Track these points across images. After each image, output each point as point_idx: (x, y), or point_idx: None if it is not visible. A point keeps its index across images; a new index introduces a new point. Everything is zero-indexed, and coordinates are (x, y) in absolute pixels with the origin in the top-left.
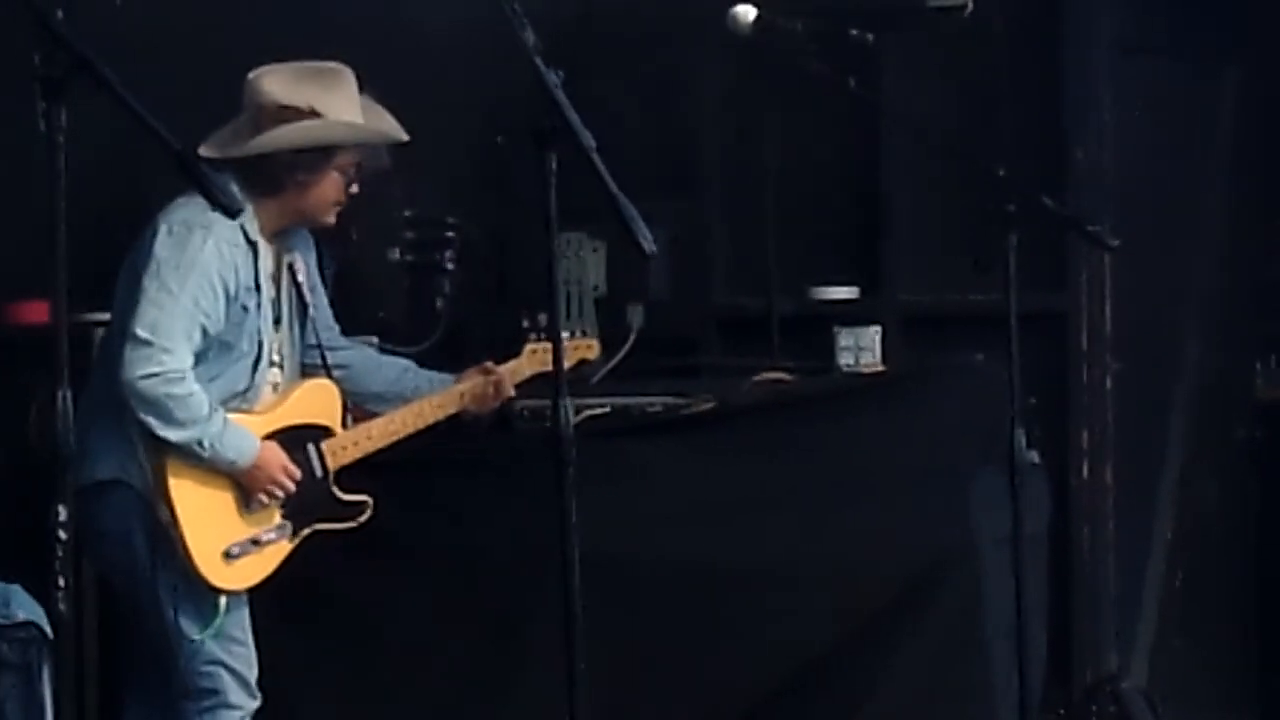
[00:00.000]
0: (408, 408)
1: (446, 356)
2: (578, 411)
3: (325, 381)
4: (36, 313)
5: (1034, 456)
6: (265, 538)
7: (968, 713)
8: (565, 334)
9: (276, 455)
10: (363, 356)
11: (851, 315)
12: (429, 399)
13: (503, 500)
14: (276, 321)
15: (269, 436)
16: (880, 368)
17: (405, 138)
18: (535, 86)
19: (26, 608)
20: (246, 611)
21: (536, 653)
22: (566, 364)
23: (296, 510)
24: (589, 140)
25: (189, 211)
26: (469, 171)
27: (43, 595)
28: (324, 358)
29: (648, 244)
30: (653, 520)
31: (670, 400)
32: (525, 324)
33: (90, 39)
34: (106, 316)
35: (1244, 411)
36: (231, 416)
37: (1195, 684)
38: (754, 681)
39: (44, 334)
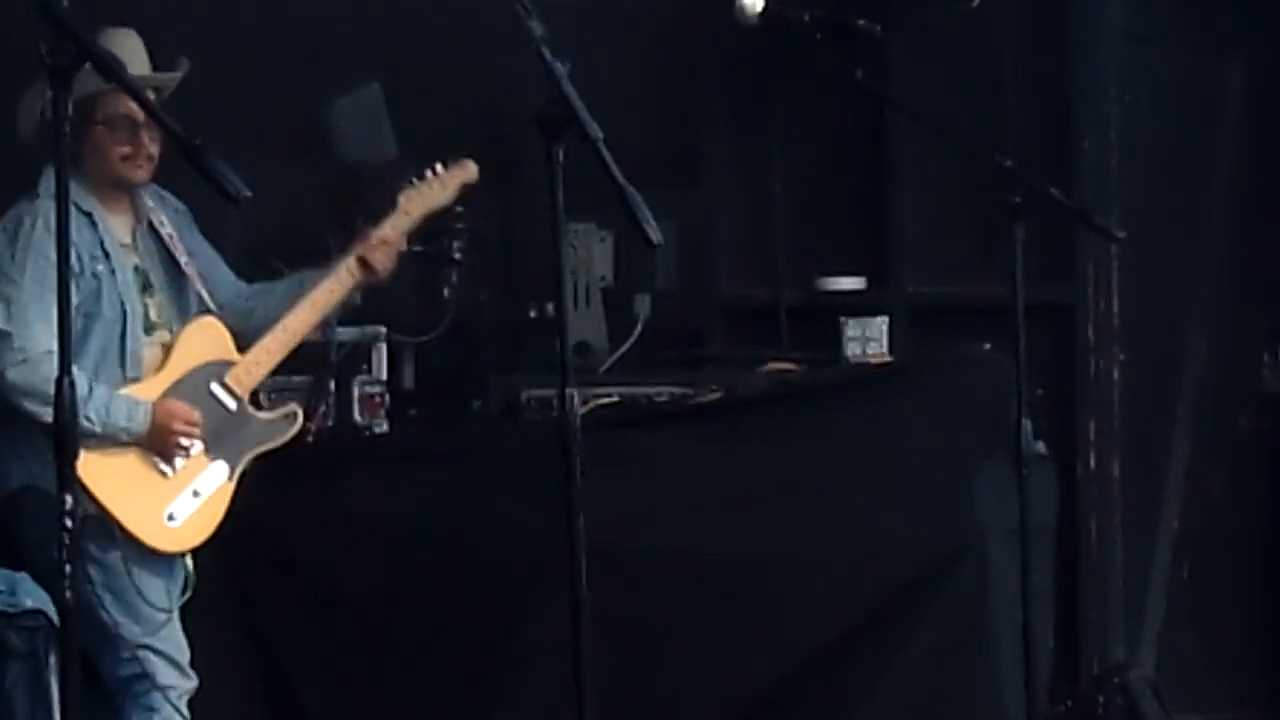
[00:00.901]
0: (299, 306)
1: (454, 346)
2: (585, 401)
3: (202, 319)
4: None
5: (1040, 447)
6: (202, 487)
7: (975, 702)
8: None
9: (170, 409)
10: (261, 291)
11: (858, 306)
12: (318, 289)
13: (509, 489)
14: (146, 287)
15: (166, 395)
16: (887, 358)
17: (149, 72)
18: (543, 76)
19: (34, 595)
20: (176, 593)
21: (544, 640)
22: (446, 197)
23: (225, 448)
24: (596, 131)
25: (17, 207)
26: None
27: None
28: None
29: (655, 235)
30: (659, 510)
31: (677, 390)
32: (533, 314)
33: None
34: None
35: (1250, 402)
36: (122, 391)
37: (1202, 674)
38: (762, 670)
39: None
